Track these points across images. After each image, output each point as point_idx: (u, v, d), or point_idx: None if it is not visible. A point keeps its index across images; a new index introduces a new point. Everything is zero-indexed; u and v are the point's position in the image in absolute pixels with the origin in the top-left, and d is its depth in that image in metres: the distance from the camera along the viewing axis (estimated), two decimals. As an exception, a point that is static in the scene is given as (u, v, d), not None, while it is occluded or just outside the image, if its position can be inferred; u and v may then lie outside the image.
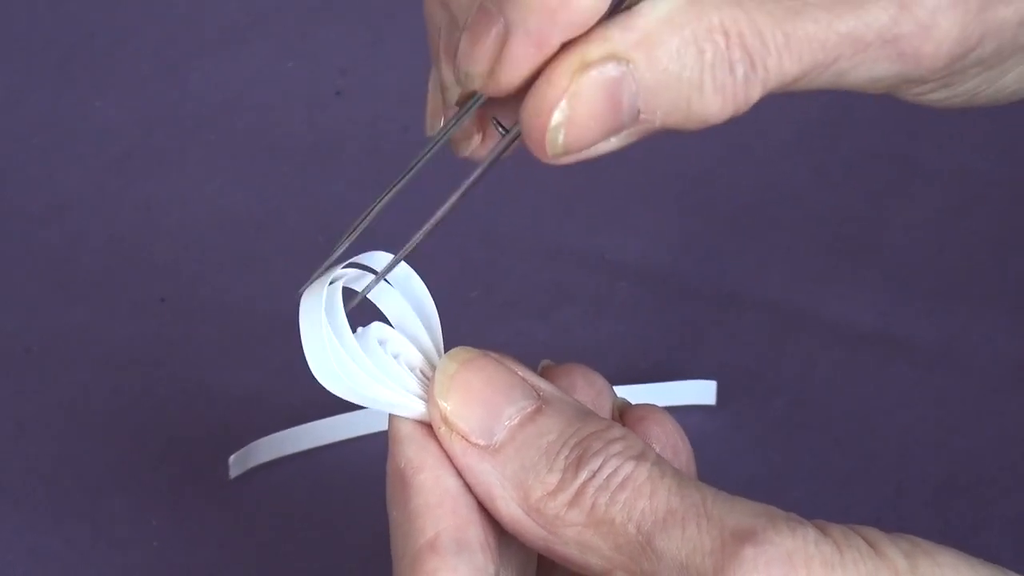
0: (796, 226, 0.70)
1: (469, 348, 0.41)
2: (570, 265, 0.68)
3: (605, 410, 0.44)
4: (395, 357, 0.42)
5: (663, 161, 0.73)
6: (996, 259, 0.69)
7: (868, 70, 0.39)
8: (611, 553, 0.38)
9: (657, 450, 0.42)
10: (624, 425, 0.43)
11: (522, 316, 0.66)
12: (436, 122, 0.45)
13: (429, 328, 0.43)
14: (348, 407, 0.62)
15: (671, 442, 0.43)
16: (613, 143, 0.38)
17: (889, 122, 0.74)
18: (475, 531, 0.39)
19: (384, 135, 0.74)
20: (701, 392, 0.63)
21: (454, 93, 0.42)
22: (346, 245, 0.42)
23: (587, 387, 0.44)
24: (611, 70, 0.37)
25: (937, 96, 0.41)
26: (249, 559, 0.58)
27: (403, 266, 0.43)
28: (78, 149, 0.74)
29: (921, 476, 0.61)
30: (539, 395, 0.40)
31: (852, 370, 0.64)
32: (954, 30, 0.38)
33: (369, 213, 0.42)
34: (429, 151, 0.43)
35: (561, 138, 0.37)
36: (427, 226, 0.42)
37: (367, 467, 0.61)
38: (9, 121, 0.75)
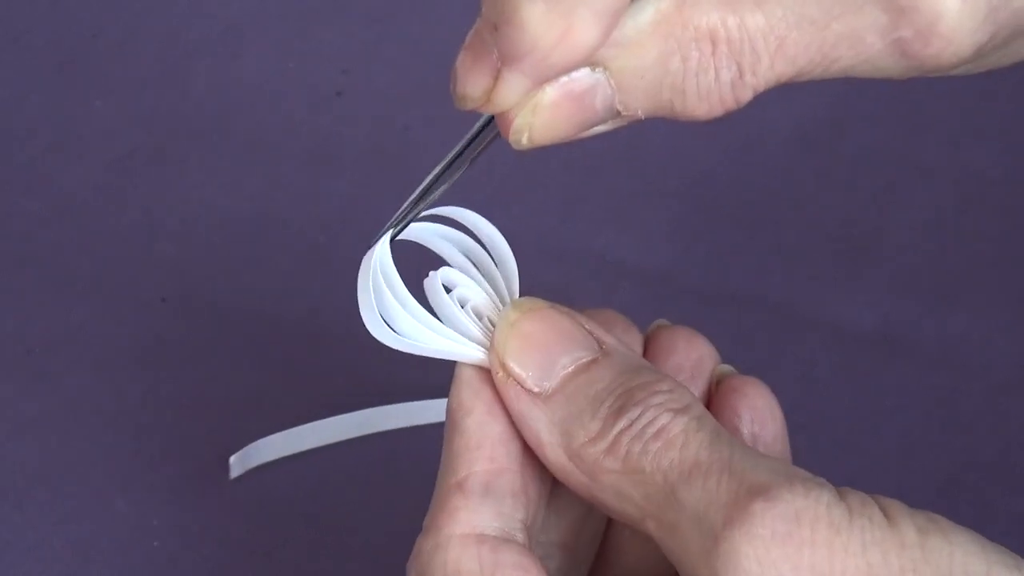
0: (797, 226, 0.70)
1: (536, 299, 0.42)
2: (571, 265, 0.68)
3: (704, 376, 0.44)
4: (463, 304, 0.42)
5: (664, 161, 0.73)
6: (996, 259, 0.69)
7: (875, 66, 0.38)
8: (642, 502, 0.38)
9: (744, 423, 0.43)
10: (717, 394, 0.44)
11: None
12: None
13: (505, 275, 0.43)
14: (346, 407, 0.62)
15: (759, 417, 0.44)
16: (602, 129, 0.38)
17: (890, 122, 0.74)
18: (509, 478, 0.40)
19: (385, 135, 0.74)
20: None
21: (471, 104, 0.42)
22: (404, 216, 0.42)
23: (688, 350, 0.44)
24: (582, 77, 0.37)
25: (959, 72, 0.40)
26: (249, 559, 0.58)
27: (476, 216, 0.43)
28: (78, 149, 0.74)
29: (922, 476, 0.61)
30: (602, 348, 0.41)
31: (852, 370, 0.64)
32: (959, 35, 0.37)
33: (425, 192, 0.42)
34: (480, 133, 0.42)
35: (525, 139, 0.38)
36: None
37: (367, 467, 0.61)
38: (9, 121, 0.75)
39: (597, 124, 0.38)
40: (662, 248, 0.69)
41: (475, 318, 0.42)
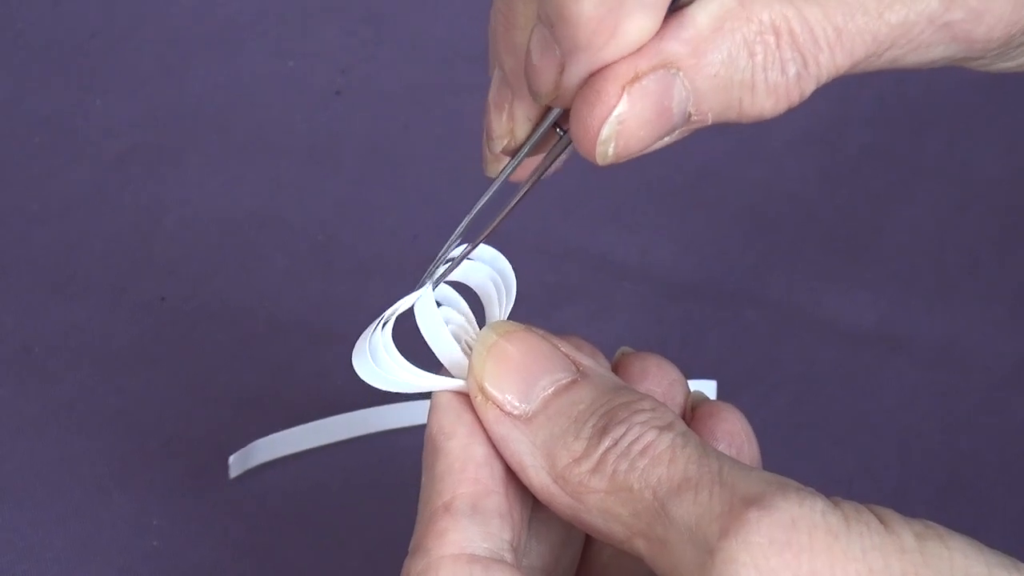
0: (797, 225, 0.70)
1: (512, 322, 0.42)
2: (572, 265, 0.68)
3: (677, 402, 0.44)
4: (446, 324, 0.43)
5: (665, 160, 0.73)
6: (996, 259, 0.69)
7: (922, 54, 0.39)
8: (630, 520, 0.38)
9: (721, 447, 0.43)
10: (693, 419, 0.44)
11: (524, 316, 0.66)
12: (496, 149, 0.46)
13: (508, 301, 0.44)
14: (346, 407, 0.62)
15: (736, 442, 0.44)
16: (666, 141, 0.39)
17: (890, 122, 0.74)
18: (495, 499, 0.40)
19: (384, 134, 0.74)
20: (702, 391, 0.63)
21: (499, 143, 0.44)
22: (429, 281, 0.43)
23: (659, 376, 0.44)
24: (661, 79, 0.37)
25: (1002, 66, 0.41)
26: (249, 559, 0.58)
27: (490, 249, 0.44)
28: (78, 149, 0.74)
29: (921, 476, 0.61)
30: (579, 369, 0.41)
31: (852, 370, 0.64)
32: (1005, 13, 0.38)
33: (448, 246, 0.44)
34: (501, 178, 0.45)
35: (612, 150, 0.38)
36: (495, 222, 0.43)
37: (366, 467, 0.61)
38: (9, 121, 0.75)
39: (672, 131, 0.38)
40: (663, 247, 0.69)
41: (455, 340, 0.42)
